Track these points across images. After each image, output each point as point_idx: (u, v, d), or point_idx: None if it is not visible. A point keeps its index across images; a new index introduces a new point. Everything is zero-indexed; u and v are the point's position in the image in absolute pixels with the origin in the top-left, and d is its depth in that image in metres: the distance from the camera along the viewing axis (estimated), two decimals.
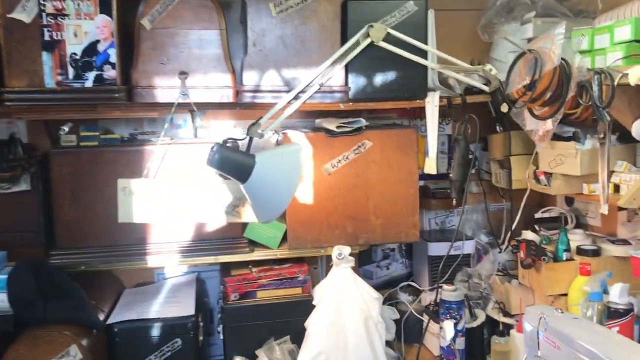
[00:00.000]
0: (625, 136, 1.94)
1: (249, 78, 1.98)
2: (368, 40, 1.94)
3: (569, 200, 2.46)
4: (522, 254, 2.08)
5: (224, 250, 2.09)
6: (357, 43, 1.95)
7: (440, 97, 2.06)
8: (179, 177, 1.99)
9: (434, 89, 2.12)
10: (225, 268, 2.25)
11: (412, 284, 2.47)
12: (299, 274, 2.17)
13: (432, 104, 2.06)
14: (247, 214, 2.02)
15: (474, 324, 2.10)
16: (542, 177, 2.08)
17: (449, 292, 2.07)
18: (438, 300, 2.10)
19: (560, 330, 1.37)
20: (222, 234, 2.08)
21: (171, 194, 1.96)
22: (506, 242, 2.37)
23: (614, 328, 1.79)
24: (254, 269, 2.17)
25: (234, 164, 1.77)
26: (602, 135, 1.80)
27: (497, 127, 2.20)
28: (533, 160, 2.17)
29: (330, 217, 2.11)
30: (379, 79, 2.03)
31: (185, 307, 2.03)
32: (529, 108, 1.97)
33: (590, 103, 1.80)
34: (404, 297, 2.42)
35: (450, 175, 2.14)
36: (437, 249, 2.39)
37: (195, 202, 1.98)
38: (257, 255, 2.14)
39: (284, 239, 2.16)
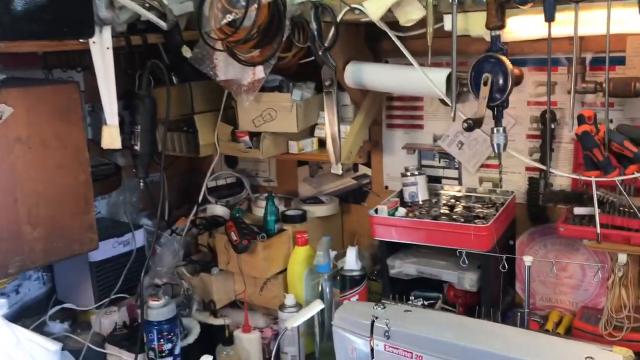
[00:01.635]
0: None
1: None
2: None
3: (231, 161, 2.14)
4: (234, 236, 1.66)
5: None
6: None
7: (116, 36, 1.40)
8: None
9: (101, 22, 1.42)
10: None
11: (69, 306, 1.74)
12: None
13: (101, 45, 1.38)
14: None
15: (190, 341, 1.60)
16: (246, 138, 1.69)
17: (159, 309, 1.50)
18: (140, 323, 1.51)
19: (417, 334, 1.07)
20: None
21: None
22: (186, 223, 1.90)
23: (353, 298, 1.61)
24: None
25: None
26: (328, 83, 1.53)
27: (173, 78, 1.66)
28: (223, 118, 1.75)
29: None
30: (18, 4, 1.22)
31: None
32: (232, 52, 1.52)
33: (308, 44, 1.50)
34: (58, 327, 1.69)
35: (135, 147, 1.52)
36: (101, 250, 1.72)
37: None
38: None
39: None
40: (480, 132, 1.67)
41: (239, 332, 1.62)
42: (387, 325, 1.08)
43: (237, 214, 1.85)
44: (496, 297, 1.59)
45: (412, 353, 1.06)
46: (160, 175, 1.61)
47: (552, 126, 1.54)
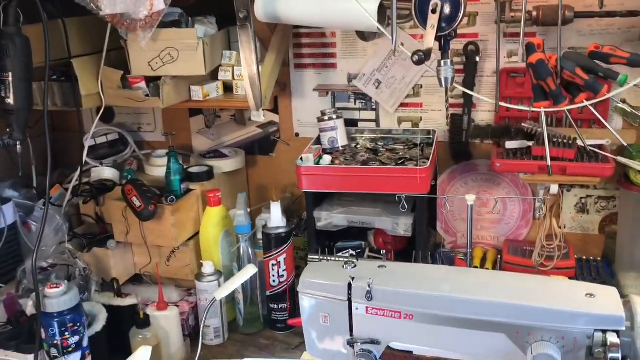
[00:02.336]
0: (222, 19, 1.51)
1: None
2: None
3: (108, 117, 1.84)
4: (136, 202, 1.41)
5: None
6: None
7: None
8: None
9: None
10: None
11: None
12: None
13: None
14: None
15: (97, 328, 1.34)
16: (142, 85, 1.42)
17: (59, 298, 1.22)
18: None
19: (406, 291, 0.96)
20: None
21: None
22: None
23: (280, 257, 1.47)
24: None
25: None
26: (243, 15, 1.32)
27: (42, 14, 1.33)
28: (106, 62, 1.45)
29: None
30: None
31: None
32: None
33: None
34: None
35: (8, 100, 1.19)
36: None
37: None
38: None
39: None
40: (399, 68, 1.58)
41: (154, 311, 1.40)
42: (369, 285, 0.96)
43: (130, 176, 1.59)
44: (426, 239, 1.54)
45: (400, 313, 0.95)
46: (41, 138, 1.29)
47: (477, 59, 1.49)
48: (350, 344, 1.01)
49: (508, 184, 1.59)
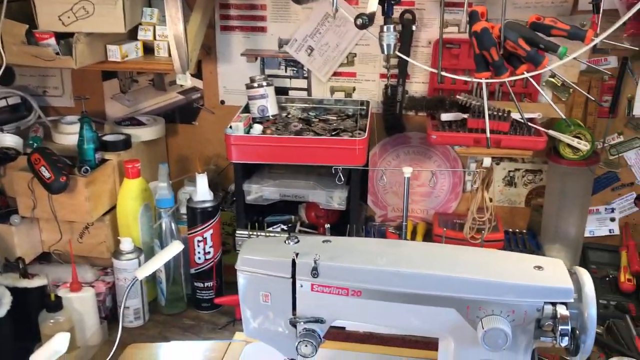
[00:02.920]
0: None
1: None
2: None
3: (7, 78, 1.64)
4: (45, 172, 1.27)
5: None
6: None
7: None
8: None
9: None
10: None
11: None
12: None
13: None
14: None
15: (1, 313, 1.20)
16: (51, 41, 1.26)
17: None
18: None
19: (354, 266, 0.90)
20: None
21: None
22: None
23: (207, 233, 1.38)
24: None
25: None
26: None
27: None
28: (7, 14, 1.28)
29: None
30: None
31: None
32: None
33: None
34: None
35: None
36: None
37: None
38: None
39: None
40: (333, 35, 1.51)
41: (66, 292, 1.27)
42: (315, 261, 0.89)
43: (36, 144, 1.43)
44: (360, 213, 1.50)
45: (347, 289, 0.90)
46: None
47: (413, 28, 1.45)
48: (293, 323, 0.94)
49: (439, 157, 1.58)
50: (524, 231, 1.56)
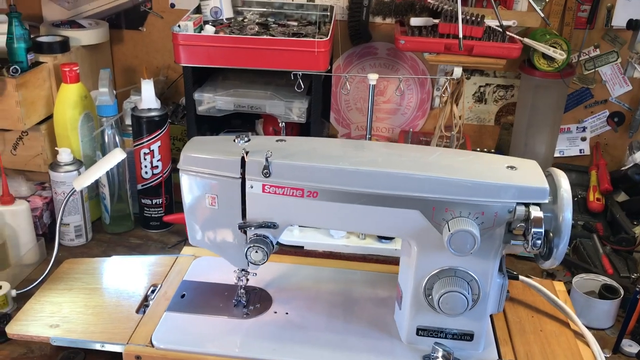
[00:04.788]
0: None
1: None
2: None
3: None
4: None
5: None
6: None
7: None
8: None
9: None
10: None
11: None
12: None
13: None
14: None
15: None
16: None
17: None
18: None
19: (310, 164, 0.81)
20: None
21: None
22: None
23: (154, 145, 1.27)
24: None
25: None
26: None
27: None
28: None
29: None
30: None
31: None
32: None
33: None
34: None
35: None
36: None
37: None
38: None
39: None
40: None
41: None
42: (267, 159, 0.80)
43: None
44: (321, 129, 1.41)
45: (302, 190, 0.81)
46: None
47: None
48: (242, 228, 0.85)
49: (407, 70, 1.48)
50: (492, 150, 1.50)
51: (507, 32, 1.25)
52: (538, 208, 0.78)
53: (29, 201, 1.25)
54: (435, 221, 0.80)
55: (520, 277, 0.99)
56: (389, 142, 1.53)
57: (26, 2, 1.47)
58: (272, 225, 0.85)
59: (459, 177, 0.79)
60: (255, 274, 0.95)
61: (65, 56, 1.31)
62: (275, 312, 0.94)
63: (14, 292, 1.05)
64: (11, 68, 1.17)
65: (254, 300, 0.96)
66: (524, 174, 0.81)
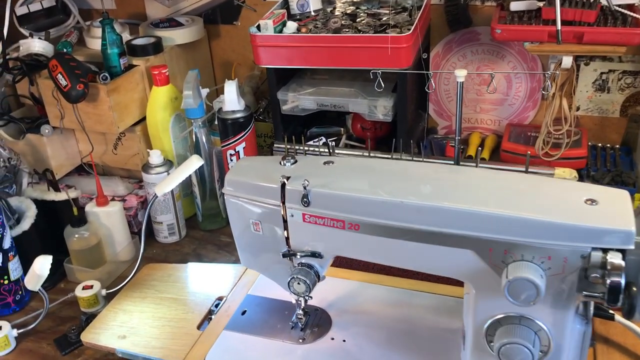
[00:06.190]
0: None
1: None
2: None
3: None
4: (62, 80, 1.19)
5: None
6: None
7: None
8: None
9: None
10: None
11: None
12: None
13: None
14: None
15: (25, 227, 1.18)
16: None
17: None
18: None
19: (350, 195, 0.74)
20: None
21: None
22: None
23: (239, 146, 1.25)
24: None
25: None
26: None
27: None
28: None
29: None
30: None
31: None
32: None
33: None
34: None
35: None
36: None
37: None
38: None
39: None
40: None
41: (93, 207, 1.22)
42: (304, 187, 0.74)
43: (64, 49, 1.35)
44: (412, 125, 1.31)
45: (343, 222, 0.74)
46: None
47: None
48: (287, 256, 0.81)
49: (515, 57, 1.32)
50: (617, 146, 1.29)
51: (630, 13, 1.05)
52: (620, 255, 0.64)
53: (125, 200, 1.31)
54: (493, 263, 0.69)
55: (617, 317, 0.84)
56: (494, 135, 1.39)
57: (132, 1, 1.52)
58: (318, 255, 0.79)
59: (520, 214, 0.67)
60: (311, 297, 0.91)
61: (158, 57, 1.33)
62: (333, 339, 0.89)
63: (104, 292, 1.11)
64: (101, 75, 1.21)
65: (313, 323, 0.92)
66: (605, 211, 0.67)
